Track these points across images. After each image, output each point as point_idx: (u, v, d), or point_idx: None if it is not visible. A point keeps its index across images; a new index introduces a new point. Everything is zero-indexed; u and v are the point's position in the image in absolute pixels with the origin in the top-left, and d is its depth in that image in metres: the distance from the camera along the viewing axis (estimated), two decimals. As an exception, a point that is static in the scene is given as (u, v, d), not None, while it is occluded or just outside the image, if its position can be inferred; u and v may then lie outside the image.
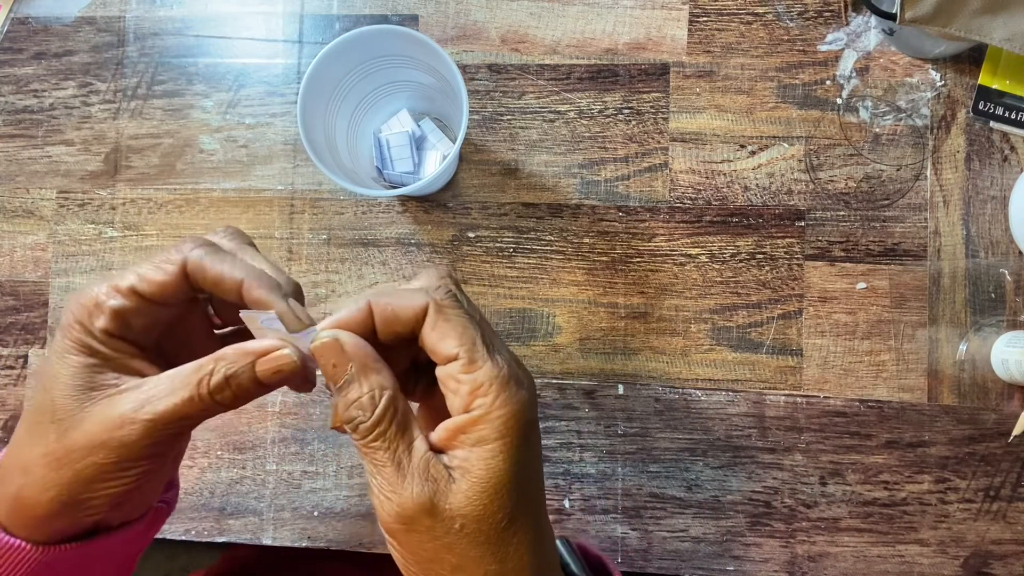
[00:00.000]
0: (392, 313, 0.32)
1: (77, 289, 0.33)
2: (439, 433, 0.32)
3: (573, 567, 0.38)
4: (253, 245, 0.37)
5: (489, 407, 0.31)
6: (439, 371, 0.33)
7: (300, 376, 0.33)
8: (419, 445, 0.32)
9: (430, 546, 0.31)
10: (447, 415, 0.33)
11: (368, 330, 0.33)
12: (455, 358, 0.32)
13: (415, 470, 0.31)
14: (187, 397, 0.32)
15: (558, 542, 0.39)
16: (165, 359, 0.36)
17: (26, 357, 0.60)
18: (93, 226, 0.60)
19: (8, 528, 0.34)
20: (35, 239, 0.61)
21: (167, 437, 0.33)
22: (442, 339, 0.32)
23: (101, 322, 0.33)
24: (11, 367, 0.60)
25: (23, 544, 0.33)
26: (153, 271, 0.34)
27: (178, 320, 0.37)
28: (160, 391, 0.33)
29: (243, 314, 0.34)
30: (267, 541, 0.57)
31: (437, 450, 0.32)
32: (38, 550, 0.33)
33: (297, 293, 0.35)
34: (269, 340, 0.33)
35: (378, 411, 0.31)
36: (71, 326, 0.33)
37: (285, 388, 0.35)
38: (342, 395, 0.32)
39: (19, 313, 0.60)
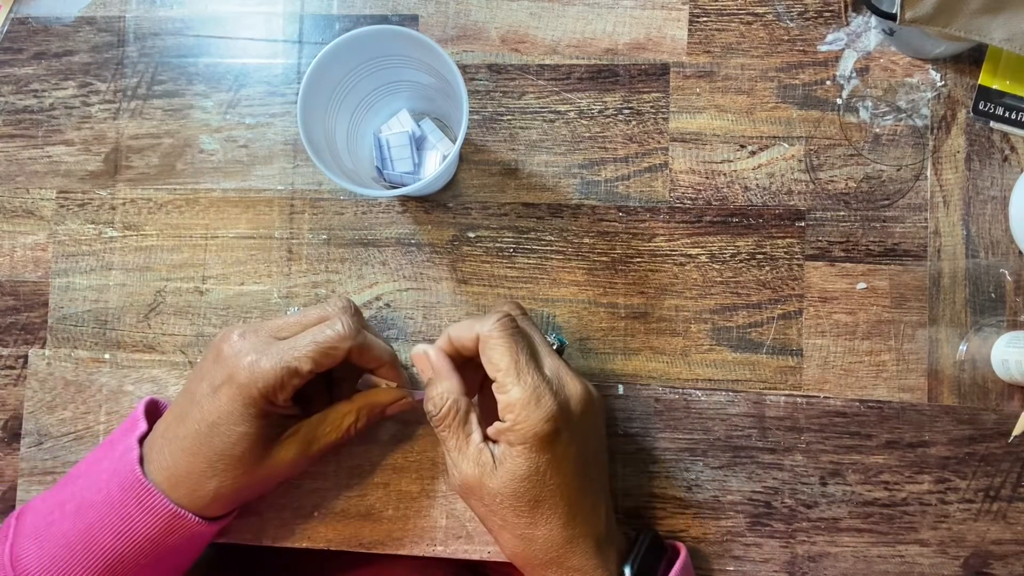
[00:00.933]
0: (460, 343, 0.46)
1: (251, 350, 0.45)
2: (492, 428, 0.44)
3: (631, 555, 0.47)
4: (361, 315, 0.50)
5: (513, 422, 0.42)
6: (492, 385, 0.44)
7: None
8: (475, 437, 0.44)
9: (483, 509, 0.45)
10: None
11: (454, 352, 0.47)
12: (494, 379, 0.44)
13: (470, 455, 0.44)
14: (340, 437, 0.48)
15: (641, 535, 0.49)
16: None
17: (26, 357, 0.60)
18: (93, 226, 0.60)
19: (195, 511, 0.47)
20: (35, 239, 0.61)
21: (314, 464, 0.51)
22: (487, 364, 0.44)
23: (283, 397, 0.45)
24: (11, 367, 0.60)
25: (194, 517, 0.47)
26: (326, 358, 0.45)
27: None
28: (318, 434, 0.48)
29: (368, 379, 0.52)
30: (267, 541, 0.57)
31: (493, 440, 0.44)
32: (203, 524, 0.47)
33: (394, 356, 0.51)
34: (396, 391, 0.50)
35: (443, 408, 0.44)
36: (257, 400, 0.44)
37: None
38: (427, 391, 0.46)
39: (19, 313, 0.60)
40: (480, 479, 0.43)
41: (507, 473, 0.42)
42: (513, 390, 0.42)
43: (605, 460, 0.49)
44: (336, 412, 0.48)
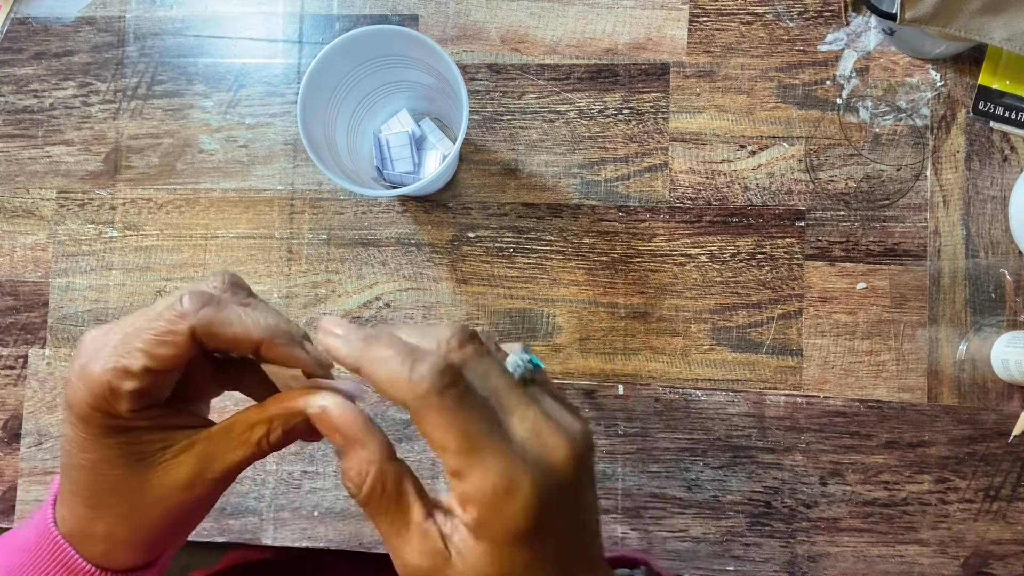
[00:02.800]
0: (383, 391, 0.31)
1: (73, 360, 0.33)
2: (445, 499, 0.31)
3: None
4: (249, 290, 0.36)
5: (476, 520, 0.29)
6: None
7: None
8: (415, 515, 0.31)
9: None
10: None
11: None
12: (440, 458, 0.30)
13: (412, 541, 0.31)
14: (250, 454, 0.34)
15: (641, 574, 0.38)
16: (176, 395, 0.36)
17: (26, 357, 0.60)
18: (93, 226, 0.60)
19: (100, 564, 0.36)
20: (35, 239, 0.61)
21: (222, 487, 0.35)
22: (427, 437, 0.30)
23: (123, 407, 0.33)
24: (11, 367, 0.60)
25: (93, 568, 0.36)
26: (161, 347, 0.32)
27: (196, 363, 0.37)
28: (219, 449, 0.34)
29: (270, 370, 0.37)
30: (267, 541, 0.57)
31: (446, 510, 0.31)
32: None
33: (306, 339, 0.35)
34: (323, 396, 0.34)
35: (365, 487, 0.31)
36: (90, 416, 0.33)
37: None
38: (342, 465, 0.32)
39: (19, 313, 0.60)
40: (432, 573, 0.30)
41: (469, 570, 0.30)
42: (471, 477, 0.29)
43: (598, 514, 0.36)
44: (242, 422, 0.35)
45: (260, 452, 0.35)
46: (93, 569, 0.35)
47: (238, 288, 0.36)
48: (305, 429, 0.34)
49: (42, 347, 0.60)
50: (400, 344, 0.30)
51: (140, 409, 0.33)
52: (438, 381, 0.29)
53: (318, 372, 0.35)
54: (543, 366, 0.35)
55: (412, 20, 0.59)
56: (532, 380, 0.33)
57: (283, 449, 0.35)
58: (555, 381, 0.56)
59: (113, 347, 0.32)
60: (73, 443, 0.33)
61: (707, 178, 0.57)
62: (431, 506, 0.31)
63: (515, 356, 0.33)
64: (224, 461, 0.34)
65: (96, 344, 0.33)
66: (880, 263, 0.55)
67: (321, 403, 0.33)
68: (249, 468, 0.57)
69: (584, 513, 0.32)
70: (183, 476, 0.34)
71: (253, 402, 0.36)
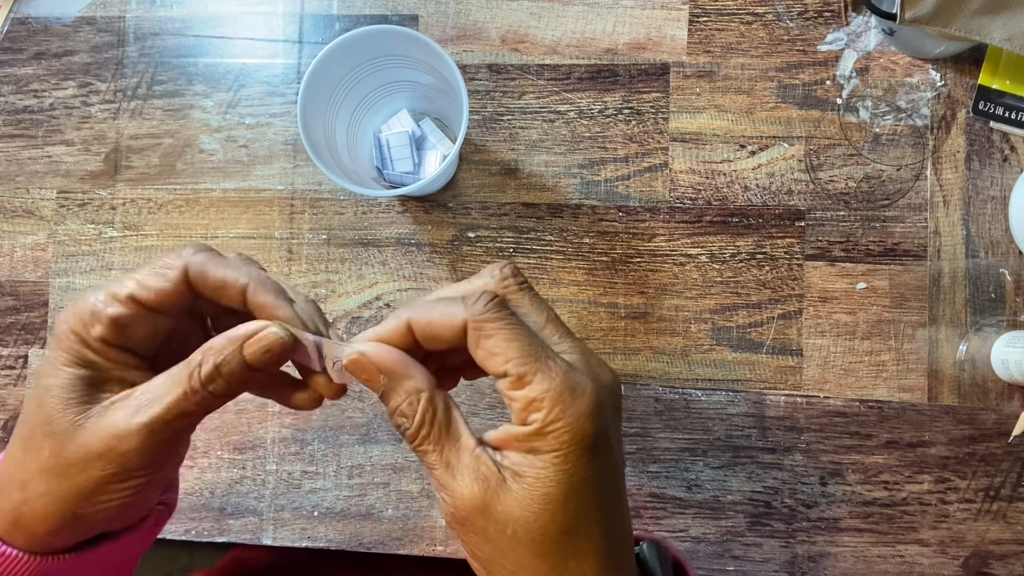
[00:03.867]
0: (431, 333, 0.32)
1: (75, 292, 0.31)
2: (496, 433, 0.31)
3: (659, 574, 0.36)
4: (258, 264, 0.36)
5: (543, 422, 0.30)
6: (496, 383, 0.32)
7: (289, 354, 0.33)
8: (466, 442, 0.31)
9: (487, 547, 0.31)
10: None
11: (409, 345, 0.32)
12: (503, 375, 0.31)
13: (464, 469, 0.31)
14: (180, 393, 0.32)
15: (646, 546, 0.37)
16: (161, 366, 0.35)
17: (26, 357, 0.60)
18: (93, 226, 0.60)
19: (7, 540, 0.33)
20: (35, 239, 0.61)
21: (167, 441, 0.32)
22: (487, 357, 0.31)
23: (98, 331, 0.32)
24: (11, 367, 0.60)
25: (20, 554, 0.33)
26: (153, 277, 0.33)
27: (176, 333, 0.36)
28: (153, 394, 0.32)
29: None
30: (267, 541, 0.57)
31: (491, 447, 0.31)
32: (35, 560, 0.33)
33: (314, 309, 0.35)
34: (255, 323, 0.32)
35: (417, 417, 0.31)
36: (66, 335, 0.32)
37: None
38: (386, 403, 0.32)
39: (19, 313, 0.60)
40: (483, 502, 0.30)
41: (530, 493, 0.30)
42: (535, 380, 0.30)
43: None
44: (179, 364, 0.33)
45: (194, 392, 0.32)
46: (15, 552, 0.33)
47: (244, 257, 0.36)
48: (238, 367, 0.32)
49: (42, 347, 0.60)
50: (437, 298, 0.33)
51: (113, 346, 0.32)
52: (492, 302, 0.31)
53: (301, 327, 0.34)
54: None
55: (412, 20, 0.59)
56: None
57: (233, 398, 0.33)
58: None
59: (108, 283, 0.33)
60: (41, 369, 0.33)
61: (707, 178, 0.57)
62: (479, 439, 0.32)
63: None
64: (157, 404, 0.32)
65: (93, 288, 0.34)
66: (880, 263, 0.55)
67: (356, 348, 0.32)
68: (249, 468, 0.57)
69: (622, 453, 0.33)
70: (114, 422, 0.32)
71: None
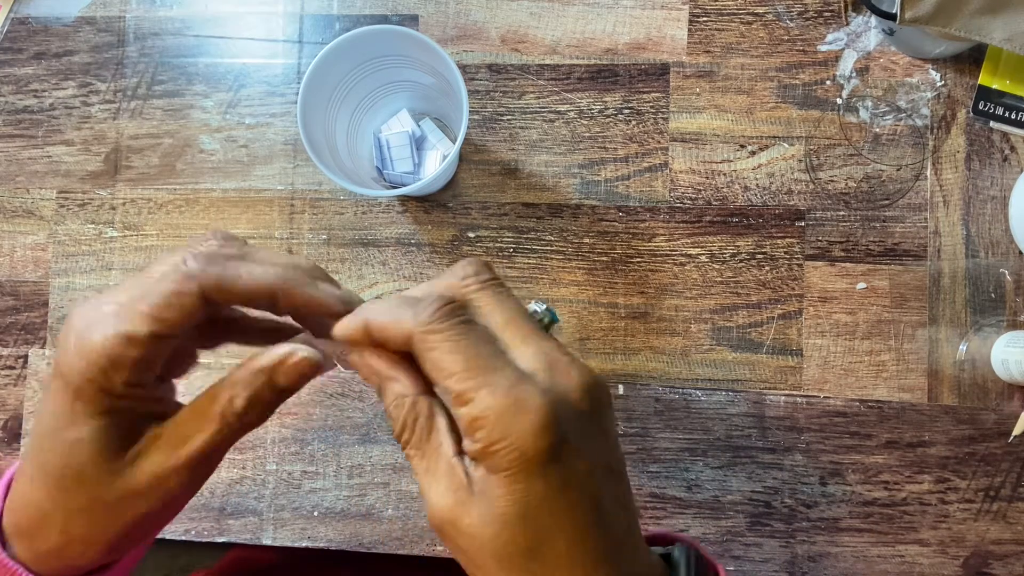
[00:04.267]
0: (384, 338, 0.30)
1: (75, 305, 0.30)
2: (467, 445, 0.30)
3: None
4: (244, 241, 0.34)
5: (487, 441, 0.28)
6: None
7: (323, 368, 0.32)
8: (445, 451, 0.30)
9: (460, 554, 0.30)
10: None
11: (372, 345, 0.31)
12: (446, 391, 0.29)
13: (440, 477, 0.30)
14: (216, 430, 0.31)
15: (677, 550, 0.35)
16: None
17: (26, 357, 0.60)
18: (93, 226, 0.60)
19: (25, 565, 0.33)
20: (35, 239, 0.61)
21: (205, 469, 0.32)
22: (432, 371, 0.30)
23: (121, 377, 0.30)
24: (11, 367, 0.60)
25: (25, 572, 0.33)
26: (168, 310, 0.30)
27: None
28: (188, 431, 0.31)
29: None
30: (267, 541, 0.57)
31: (472, 457, 0.30)
32: None
33: (324, 278, 0.34)
34: (280, 350, 0.31)
35: (399, 421, 0.31)
36: (84, 386, 0.30)
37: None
38: (384, 402, 0.32)
39: (19, 313, 0.60)
40: (454, 513, 0.29)
41: (489, 510, 0.28)
42: (479, 397, 0.28)
43: (624, 467, 0.34)
44: (207, 396, 0.32)
45: (229, 427, 0.32)
46: (21, 570, 0.33)
47: (233, 240, 0.33)
48: (271, 395, 0.32)
49: (42, 347, 0.60)
50: (401, 297, 0.31)
51: (136, 384, 0.31)
52: (440, 310, 0.29)
53: (342, 310, 0.32)
54: (560, 322, 0.34)
55: (412, 20, 0.59)
56: (548, 325, 0.34)
57: (262, 425, 0.33)
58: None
59: (114, 315, 0.30)
60: (59, 419, 0.31)
61: (707, 178, 0.57)
62: (459, 447, 0.30)
63: (535, 304, 0.34)
64: (193, 443, 0.31)
65: (90, 314, 0.31)
66: (880, 263, 0.55)
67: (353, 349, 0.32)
68: (249, 468, 0.57)
69: (609, 454, 0.31)
70: (155, 466, 0.31)
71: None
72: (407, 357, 0.31)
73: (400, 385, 0.31)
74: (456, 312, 0.30)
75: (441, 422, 0.31)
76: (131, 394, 0.31)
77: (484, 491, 0.29)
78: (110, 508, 0.32)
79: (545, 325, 0.34)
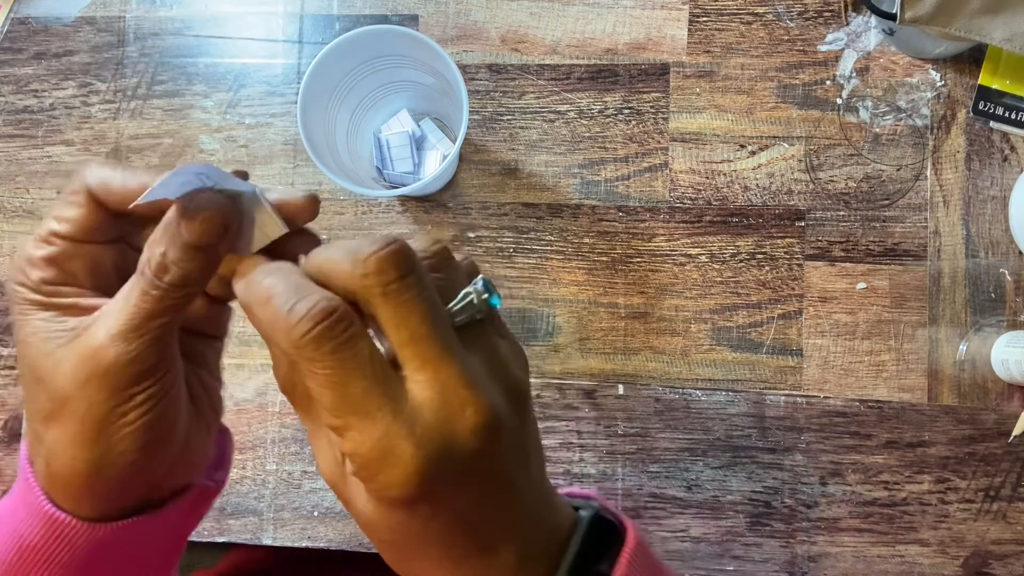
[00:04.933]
0: (258, 320, 0.28)
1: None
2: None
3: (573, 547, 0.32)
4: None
5: (356, 473, 0.27)
6: None
7: (234, 219, 0.30)
8: (323, 422, 0.29)
9: (350, 510, 0.30)
10: None
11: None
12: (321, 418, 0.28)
13: (323, 448, 0.29)
14: (139, 293, 0.29)
15: (585, 510, 0.33)
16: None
17: (26, 357, 0.60)
18: (93, 226, 0.60)
19: (59, 505, 0.32)
20: (35, 239, 0.61)
21: (148, 350, 0.30)
22: (306, 385, 0.28)
23: (35, 275, 0.31)
24: (11, 367, 0.60)
25: (70, 519, 0.32)
26: (64, 207, 0.31)
27: (128, 264, 0.34)
28: (114, 304, 0.30)
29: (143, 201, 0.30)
30: (267, 541, 0.57)
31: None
32: (87, 526, 0.32)
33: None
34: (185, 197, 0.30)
35: (284, 382, 0.30)
36: (15, 292, 0.31)
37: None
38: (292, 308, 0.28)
39: (19, 313, 0.60)
40: (334, 481, 0.29)
41: (360, 504, 0.28)
42: (348, 437, 0.26)
43: (528, 480, 0.30)
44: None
45: (154, 288, 0.29)
46: (64, 517, 0.31)
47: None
48: (189, 256, 0.30)
49: (42, 347, 0.60)
50: (291, 278, 0.28)
51: (61, 284, 0.31)
52: (320, 325, 0.26)
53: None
54: (499, 305, 0.30)
55: (412, 20, 0.59)
56: (480, 320, 0.29)
57: (201, 290, 0.31)
58: (555, 381, 0.56)
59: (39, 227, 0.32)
60: (14, 336, 0.32)
61: (707, 178, 0.57)
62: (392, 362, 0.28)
63: (469, 289, 0.28)
64: (120, 313, 0.29)
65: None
66: (880, 263, 0.55)
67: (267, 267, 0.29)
68: (249, 468, 0.57)
69: (492, 483, 0.28)
70: (87, 341, 0.30)
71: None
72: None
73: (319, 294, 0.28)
74: (338, 330, 0.26)
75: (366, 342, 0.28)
76: (59, 293, 0.31)
77: (358, 491, 0.28)
78: (64, 403, 0.30)
79: (478, 317, 0.28)
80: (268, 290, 0.27)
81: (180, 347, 0.34)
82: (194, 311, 0.35)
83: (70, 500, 0.32)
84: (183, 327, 0.34)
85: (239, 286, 0.29)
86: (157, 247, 0.30)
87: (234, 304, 0.34)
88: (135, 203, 0.30)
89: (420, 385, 0.26)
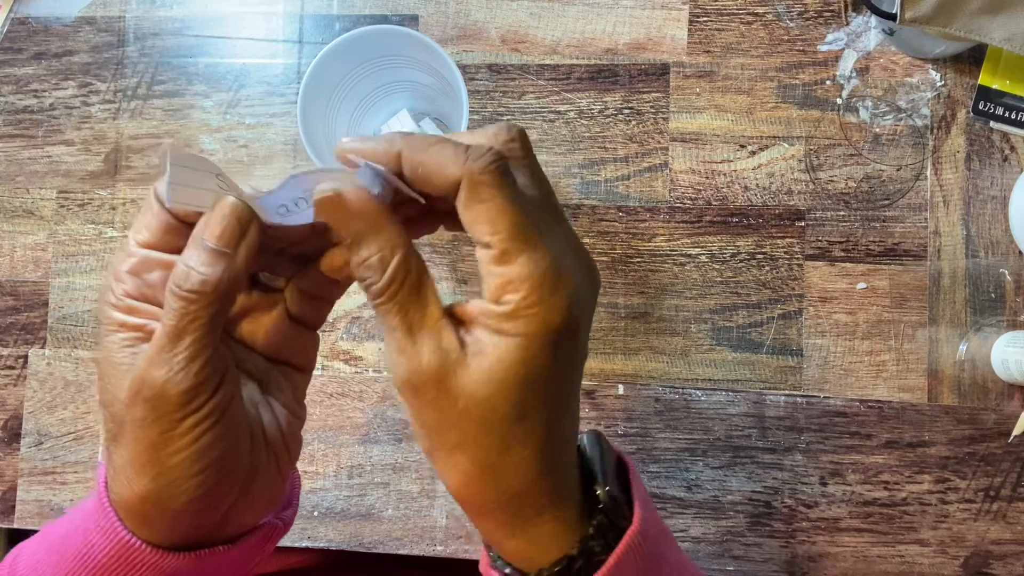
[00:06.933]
0: (423, 175, 0.29)
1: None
2: (464, 307, 0.30)
3: (597, 466, 0.34)
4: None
5: (517, 306, 0.28)
6: (476, 251, 0.30)
7: (250, 220, 0.30)
8: (433, 312, 0.30)
9: (435, 416, 0.30)
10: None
11: (393, 172, 0.30)
12: (487, 246, 0.29)
13: (427, 337, 0.29)
14: (166, 312, 0.29)
15: (586, 438, 0.36)
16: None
17: (26, 357, 0.60)
18: (93, 226, 0.60)
19: (130, 529, 0.32)
20: (35, 239, 0.61)
21: (184, 368, 0.29)
22: (474, 223, 0.29)
23: (119, 288, 0.31)
24: (11, 367, 0.60)
25: (138, 542, 0.32)
26: (142, 215, 0.31)
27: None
28: (156, 330, 0.30)
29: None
30: (267, 541, 0.57)
31: (457, 320, 0.30)
32: (153, 552, 0.32)
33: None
34: (329, 183, 0.29)
35: (388, 273, 0.29)
36: (101, 309, 0.31)
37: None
38: (352, 254, 0.30)
39: (19, 313, 0.60)
40: (439, 373, 0.29)
41: (488, 373, 0.29)
42: (518, 261, 0.28)
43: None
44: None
45: (198, 303, 0.29)
46: (141, 545, 0.31)
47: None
48: (214, 257, 0.29)
49: (42, 347, 0.60)
50: (439, 138, 0.30)
51: (136, 297, 0.31)
52: (495, 163, 0.29)
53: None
54: None
55: (412, 20, 0.59)
56: None
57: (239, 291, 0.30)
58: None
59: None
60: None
61: (707, 178, 0.57)
62: (446, 310, 0.30)
63: None
64: (161, 329, 0.29)
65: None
66: (880, 263, 0.55)
67: (330, 186, 0.29)
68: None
69: (586, 350, 0.32)
70: (138, 364, 0.30)
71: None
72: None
73: (391, 235, 0.29)
74: (508, 170, 0.29)
75: (429, 281, 0.30)
76: (140, 311, 0.31)
77: (485, 353, 0.29)
78: (121, 428, 0.30)
79: None
80: (427, 145, 0.29)
81: (260, 377, 0.34)
82: (280, 336, 0.34)
83: (134, 524, 0.32)
84: (269, 356, 0.34)
85: (409, 163, 0.29)
86: (182, 258, 0.30)
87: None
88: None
89: (558, 233, 0.30)
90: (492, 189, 0.28)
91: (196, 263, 0.29)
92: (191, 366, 0.29)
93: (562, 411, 0.31)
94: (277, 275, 0.34)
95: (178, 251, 0.30)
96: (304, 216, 0.30)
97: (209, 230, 0.29)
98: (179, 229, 0.31)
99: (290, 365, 0.35)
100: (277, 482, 0.34)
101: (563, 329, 0.29)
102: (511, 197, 0.29)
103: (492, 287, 0.29)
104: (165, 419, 0.29)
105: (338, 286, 0.34)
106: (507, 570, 0.32)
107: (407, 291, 0.29)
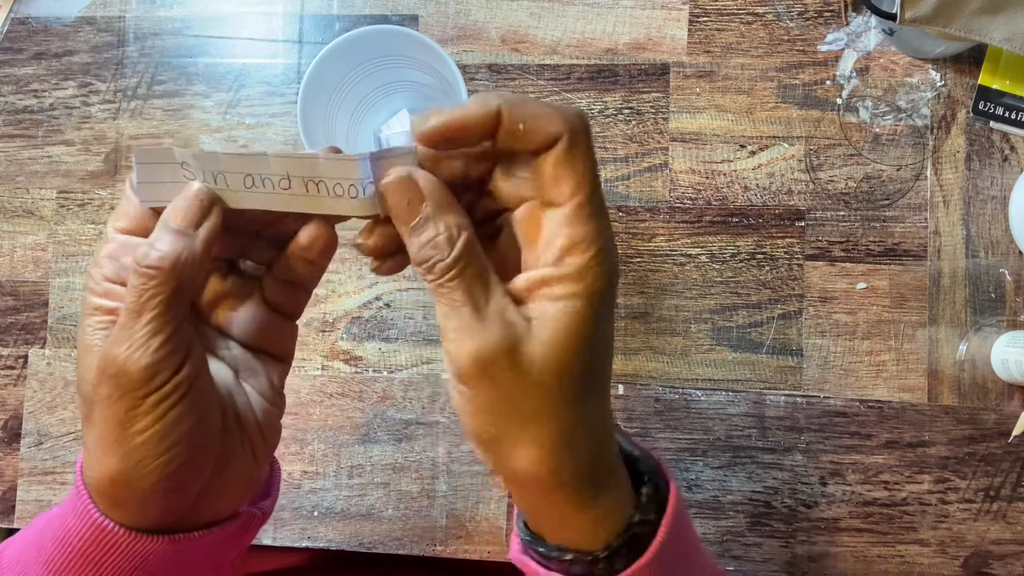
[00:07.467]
0: (522, 130, 0.30)
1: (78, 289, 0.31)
2: (519, 282, 0.31)
3: (623, 443, 0.35)
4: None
5: (582, 267, 0.30)
6: (521, 213, 0.31)
7: (212, 202, 0.31)
8: (496, 288, 0.30)
9: (504, 392, 0.30)
10: (503, 271, 0.31)
11: (486, 135, 0.30)
12: (561, 204, 0.30)
13: (493, 313, 0.30)
14: (127, 291, 0.30)
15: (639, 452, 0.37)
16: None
17: (26, 357, 0.60)
18: (93, 226, 0.60)
19: (103, 511, 0.33)
20: (35, 239, 0.61)
21: (143, 344, 0.30)
22: (560, 179, 0.30)
23: (97, 274, 0.32)
24: (11, 367, 0.60)
25: (110, 524, 0.32)
26: (120, 204, 0.33)
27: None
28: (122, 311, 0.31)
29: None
30: (267, 541, 0.57)
31: (515, 296, 0.31)
32: (127, 534, 0.32)
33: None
34: (398, 169, 0.30)
35: (457, 250, 0.30)
36: (84, 296, 0.32)
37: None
38: (416, 235, 0.30)
39: (19, 313, 0.60)
40: (512, 345, 0.29)
41: (556, 337, 0.29)
42: (591, 225, 0.30)
43: None
44: None
45: (148, 278, 0.29)
46: (115, 527, 0.32)
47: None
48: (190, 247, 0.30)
49: (42, 347, 0.60)
50: (531, 99, 0.31)
51: (113, 280, 0.32)
52: (587, 129, 0.30)
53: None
54: None
55: (412, 20, 0.59)
56: None
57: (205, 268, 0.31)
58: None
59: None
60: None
61: (707, 178, 0.57)
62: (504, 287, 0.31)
63: None
64: (123, 309, 0.30)
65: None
66: (880, 263, 0.55)
67: (405, 169, 0.30)
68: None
69: (613, 321, 0.35)
70: (104, 343, 0.30)
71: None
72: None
73: (459, 216, 0.30)
74: (591, 139, 0.31)
75: (489, 263, 0.31)
76: (107, 292, 0.32)
77: (551, 320, 0.30)
78: (91, 407, 0.31)
79: None
80: (531, 102, 0.30)
81: (235, 363, 0.34)
82: (257, 324, 0.35)
83: (107, 506, 0.32)
84: (245, 343, 0.34)
85: (510, 117, 0.30)
86: (147, 240, 0.31)
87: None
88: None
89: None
90: (583, 149, 0.30)
91: (158, 242, 0.30)
92: (150, 342, 0.29)
93: (609, 366, 0.32)
94: (256, 261, 0.35)
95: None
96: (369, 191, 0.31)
97: (172, 212, 0.30)
98: (155, 216, 0.32)
99: (268, 353, 0.35)
100: (252, 468, 0.34)
101: (607, 290, 0.30)
102: (593, 159, 0.30)
103: (557, 247, 0.30)
104: (128, 396, 0.30)
105: (312, 273, 0.35)
106: (568, 556, 0.32)
107: (473, 268, 0.30)
